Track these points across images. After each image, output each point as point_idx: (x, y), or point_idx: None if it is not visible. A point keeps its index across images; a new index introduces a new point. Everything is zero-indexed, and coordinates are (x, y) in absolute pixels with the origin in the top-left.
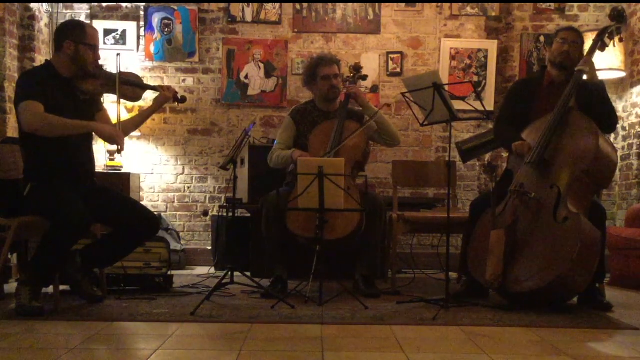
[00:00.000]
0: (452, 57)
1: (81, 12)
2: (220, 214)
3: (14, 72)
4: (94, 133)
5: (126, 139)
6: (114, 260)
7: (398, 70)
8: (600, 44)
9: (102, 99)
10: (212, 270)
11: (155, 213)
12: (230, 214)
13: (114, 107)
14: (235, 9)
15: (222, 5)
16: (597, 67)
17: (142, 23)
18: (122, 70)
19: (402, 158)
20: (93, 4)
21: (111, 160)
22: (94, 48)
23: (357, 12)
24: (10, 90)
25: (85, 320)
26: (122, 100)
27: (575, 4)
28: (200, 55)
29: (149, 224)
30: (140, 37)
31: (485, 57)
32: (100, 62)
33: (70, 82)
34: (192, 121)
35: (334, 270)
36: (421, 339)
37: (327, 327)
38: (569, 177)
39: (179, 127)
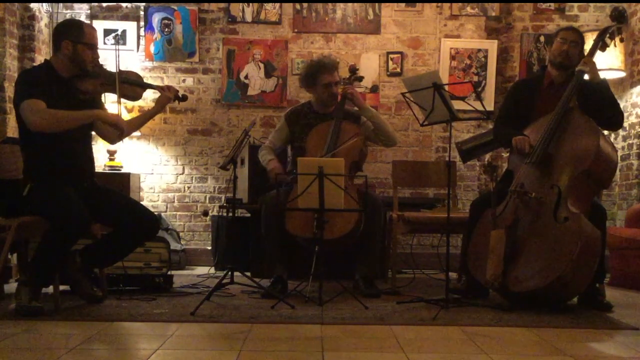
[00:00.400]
0: (452, 57)
1: (81, 12)
2: (220, 214)
3: (14, 72)
4: (94, 132)
5: (126, 139)
6: (114, 260)
7: (398, 70)
8: (601, 44)
9: (102, 98)
10: (212, 270)
11: (155, 213)
12: (230, 214)
13: (114, 106)
14: (235, 9)
15: (222, 5)
16: (597, 67)
17: (142, 23)
18: (122, 69)
19: (402, 158)
20: (93, 4)
21: (111, 160)
22: (93, 47)
23: (357, 12)
24: (10, 90)
25: (85, 320)
26: (122, 100)
27: (575, 4)
28: (200, 55)
29: (149, 224)
30: (140, 37)
31: (485, 57)
32: (100, 61)
33: (70, 82)
34: (192, 121)
35: (334, 270)
36: (421, 339)
37: (327, 327)
38: (569, 177)
39: (179, 127)
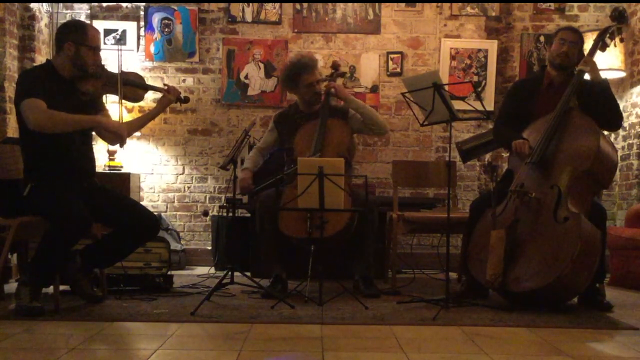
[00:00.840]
0: (452, 57)
1: (81, 12)
2: (220, 214)
3: (14, 72)
4: (95, 133)
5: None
6: (114, 260)
7: (398, 70)
8: (601, 44)
9: (103, 98)
10: (212, 270)
11: (155, 213)
12: (230, 214)
13: (114, 106)
14: (235, 9)
15: (222, 5)
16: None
17: (142, 23)
18: (124, 69)
19: (402, 158)
20: (93, 4)
21: (111, 160)
22: (95, 50)
23: (357, 12)
24: (10, 90)
25: (85, 320)
26: (123, 101)
27: (575, 4)
28: (200, 55)
29: (149, 224)
30: (140, 37)
31: (485, 57)
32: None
33: (71, 82)
34: (192, 121)
35: (334, 270)
36: (421, 339)
37: (327, 327)
38: (569, 177)
39: (179, 127)
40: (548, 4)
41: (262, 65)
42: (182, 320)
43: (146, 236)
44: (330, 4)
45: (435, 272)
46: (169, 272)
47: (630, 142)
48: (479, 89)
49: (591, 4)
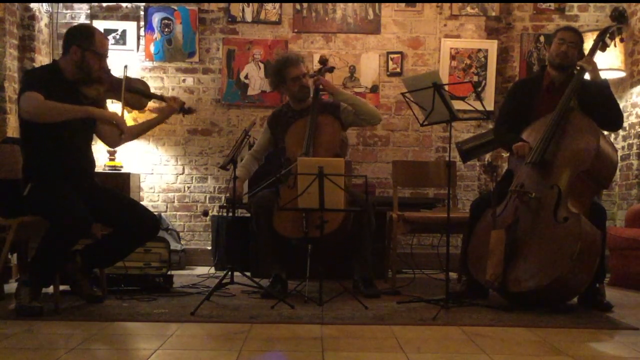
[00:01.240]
0: (452, 57)
1: (81, 12)
2: (220, 214)
3: (13, 72)
4: (95, 135)
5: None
6: (114, 260)
7: (398, 70)
8: (601, 44)
9: (105, 103)
10: (212, 270)
11: (155, 213)
12: (230, 214)
13: (116, 109)
14: (235, 9)
15: (222, 5)
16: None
17: (142, 23)
18: (127, 73)
19: (402, 158)
20: (93, 4)
21: (111, 160)
22: (101, 56)
23: (357, 12)
24: (10, 90)
25: (85, 320)
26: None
27: (575, 4)
28: (200, 55)
29: (149, 224)
30: (140, 37)
31: (485, 57)
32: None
33: (74, 85)
34: (192, 121)
35: (334, 270)
36: (421, 339)
37: (327, 327)
38: (569, 177)
39: (179, 127)
40: (548, 4)
41: (262, 65)
42: (182, 320)
43: (146, 236)
44: (330, 4)
45: (435, 272)
46: (169, 272)
47: (630, 142)
48: (479, 89)
49: (591, 4)
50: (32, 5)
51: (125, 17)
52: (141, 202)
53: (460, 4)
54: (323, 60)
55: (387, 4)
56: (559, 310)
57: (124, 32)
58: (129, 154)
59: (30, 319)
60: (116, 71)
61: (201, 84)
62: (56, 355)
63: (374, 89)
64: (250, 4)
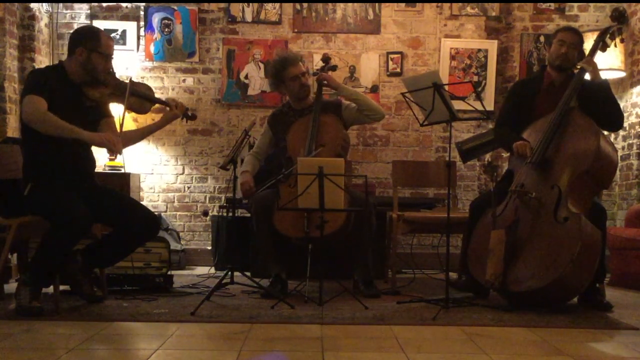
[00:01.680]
0: (452, 57)
1: (81, 12)
2: (220, 214)
3: (13, 72)
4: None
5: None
6: (115, 260)
7: (398, 70)
8: (601, 45)
9: (108, 106)
10: (212, 270)
11: (155, 213)
12: (230, 214)
13: (118, 111)
14: (235, 9)
15: (222, 5)
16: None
17: (142, 23)
18: (129, 75)
19: (402, 158)
20: (93, 4)
21: (111, 160)
22: (107, 58)
23: (357, 12)
24: (10, 90)
25: (85, 320)
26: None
27: (575, 4)
28: (200, 55)
29: (149, 224)
30: (140, 37)
31: (485, 57)
32: None
33: (78, 86)
34: (192, 121)
35: (334, 270)
36: (421, 339)
37: (327, 327)
38: (569, 177)
39: (179, 127)
40: (548, 4)
41: (262, 65)
42: (182, 320)
43: (146, 236)
44: (330, 4)
45: (435, 272)
46: (169, 272)
47: (630, 142)
48: (479, 89)
49: (591, 4)
50: (32, 5)
51: (125, 17)
52: (141, 202)
53: (460, 4)
54: (326, 59)
55: (387, 4)
56: (559, 310)
57: (124, 32)
58: (129, 154)
59: (30, 319)
60: (116, 71)
61: (201, 84)
62: (56, 355)
63: (374, 89)
64: (250, 4)
